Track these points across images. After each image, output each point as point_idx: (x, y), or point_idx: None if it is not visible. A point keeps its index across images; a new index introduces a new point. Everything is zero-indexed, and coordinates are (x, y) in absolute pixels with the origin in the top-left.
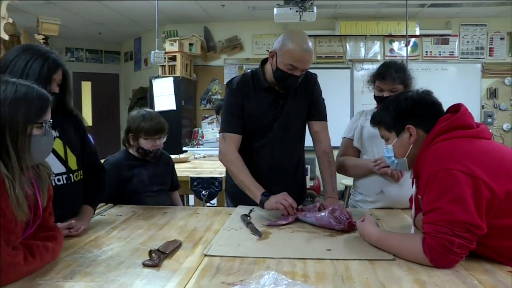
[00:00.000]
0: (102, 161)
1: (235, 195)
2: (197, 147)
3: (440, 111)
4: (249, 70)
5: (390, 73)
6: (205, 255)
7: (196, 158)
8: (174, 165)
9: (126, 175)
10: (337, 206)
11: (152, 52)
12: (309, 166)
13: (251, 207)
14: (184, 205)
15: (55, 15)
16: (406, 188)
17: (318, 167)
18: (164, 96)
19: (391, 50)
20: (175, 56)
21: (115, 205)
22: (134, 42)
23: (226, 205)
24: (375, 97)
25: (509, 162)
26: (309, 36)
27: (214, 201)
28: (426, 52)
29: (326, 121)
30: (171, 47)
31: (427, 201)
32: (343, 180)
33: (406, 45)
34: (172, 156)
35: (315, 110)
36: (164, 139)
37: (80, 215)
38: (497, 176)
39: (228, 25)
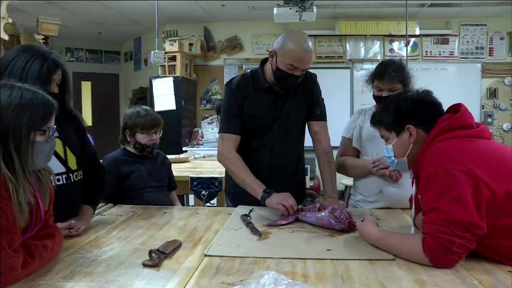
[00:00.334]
0: (101, 160)
1: (235, 195)
2: (197, 147)
3: (440, 111)
4: (249, 70)
5: (389, 73)
6: (205, 255)
7: (196, 158)
8: (170, 165)
9: (124, 171)
10: (337, 206)
11: (152, 52)
12: (309, 166)
13: (251, 207)
14: (184, 205)
15: (55, 15)
16: (406, 188)
17: (318, 167)
18: (164, 96)
19: (391, 50)
20: (175, 56)
21: (115, 205)
22: (134, 42)
23: (226, 205)
24: (374, 97)
25: (509, 162)
26: (309, 36)
27: (214, 201)
28: (426, 52)
29: (326, 121)
30: (171, 47)
31: (427, 201)
32: (343, 180)
33: (406, 45)
34: (172, 156)
35: (315, 110)
36: (160, 134)
37: (80, 215)
38: (497, 176)
39: (228, 25)
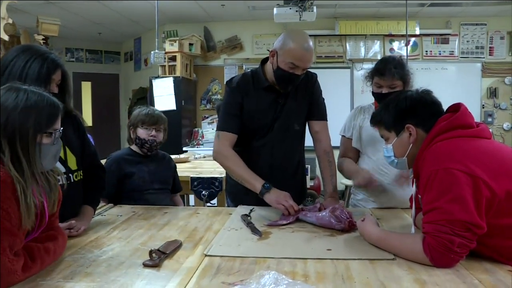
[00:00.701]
0: (104, 160)
1: (236, 195)
2: (197, 147)
3: (440, 110)
4: (249, 70)
5: (389, 69)
6: (206, 255)
7: (196, 158)
8: (176, 167)
9: (126, 171)
10: (338, 205)
11: (152, 52)
12: (309, 166)
13: (251, 207)
14: (184, 205)
15: (55, 15)
16: (409, 188)
17: (318, 167)
18: (164, 96)
19: (391, 49)
20: (175, 56)
21: (116, 205)
22: (134, 42)
23: (226, 205)
24: (373, 94)
25: (509, 162)
26: (309, 36)
27: (215, 201)
28: (426, 51)
29: (326, 120)
30: (171, 47)
31: (427, 200)
32: (344, 180)
33: (406, 45)
34: (173, 156)
35: (315, 109)
36: (162, 135)
37: (80, 215)
38: (497, 176)
39: (228, 25)
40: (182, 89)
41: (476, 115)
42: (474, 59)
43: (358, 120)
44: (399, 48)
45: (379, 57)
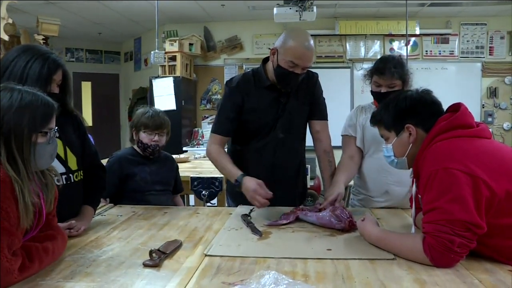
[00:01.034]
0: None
1: (236, 195)
2: (197, 147)
3: (440, 110)
4: (249, 70)
5: (389, 68)
6: (206, 255)
7: (196, 158)
8: (178, 168)
9: (128, 171)
10: (338, 205)
11: (152, 52)
12: (309, 166)
13: (251, 207)
14: (184, 205)
15: (55, 15)
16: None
17: (318, 167)
18: (164, 96)
19: (391, 49)
20: (175, 56)
21: (116, 205)
22: (134, 42)
23: (227, 205)
24: (372, 93)
25: (509, 162)
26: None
27: (215, 201)
28: (426, 51)
29: (327, 120)
30: (171, 47)
31: (427, 200)
32: None
33: (406, 45)
34: (173, 156)
35: (317, 109)
36: (165, 138)
37: (80, 215)
38: (497, 176)
39: (228, 25)
40: (182, 89)
41: (476, 115)
42: (474, 59)
43: (361, 120)
44: (399, 48)
45: (379, 57)
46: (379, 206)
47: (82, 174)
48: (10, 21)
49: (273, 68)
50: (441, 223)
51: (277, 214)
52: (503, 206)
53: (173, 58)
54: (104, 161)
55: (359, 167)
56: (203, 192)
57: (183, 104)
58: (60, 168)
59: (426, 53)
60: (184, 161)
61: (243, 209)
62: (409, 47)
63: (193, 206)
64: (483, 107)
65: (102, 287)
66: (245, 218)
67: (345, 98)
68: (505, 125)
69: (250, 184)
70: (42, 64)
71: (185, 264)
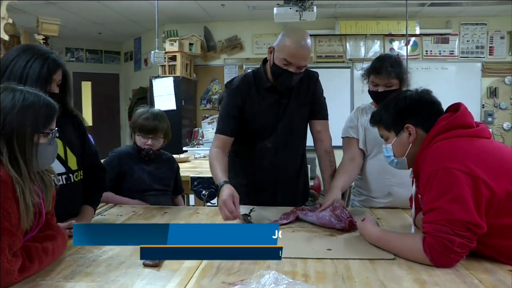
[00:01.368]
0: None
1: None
2: (197, 147)
3: (440, 110)
4: (249, 70)
5: (386, 67)
6: None
7: (196, 158)
8: (178, 169)
9: (127, 167)
10: (338, 205)
11: (152, 52)
12: (309, 166)
13: (251, 207)
14: (184, 205)
15: (55, 15)
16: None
17: (318, 167)
18: (164, 96)
19: (391, 49)
20: (175, 56)
21: (115, 205)
22: (134, 42)
23: None
24: (370, 92)
25: (509, 162)
26: (309, 35)
27: (215, 200)
28: (426, 51)
29: (328, 120)
30: (171, 47)
31: (427, 200)
32: None
33: (406, 44)
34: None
35: (318, 109)
36: (162, 141)
37: (81, 215)
38: (497, 176)
39: (228, 25)
40: (182, 89)
41: (476, 115)
42: (474, 58)
43: (362, 121)
44: (399, 48)
45: None
46: (381, 207)
47: (82, 174)
48: (10, 21)
49: (269, 67)
50: (441, 223)
51: (277, 214)
52: (503, 206)
53: (173, 58)
54: (103, 161)
55: (361, 169)
56: (203, 192)
57: (183, 104)
58: (60, 168)
59: (426, 53)
60: (184, 161)
61: (243, 209)
62: (409, 47)
63: (193, 206)
64: (483, 107)
65: (102, 287)
66: (245, 218)
67: (345, 98)
68: (505, 125)
69: (224, 193)
70: (42, 64)
71: (185, 264)
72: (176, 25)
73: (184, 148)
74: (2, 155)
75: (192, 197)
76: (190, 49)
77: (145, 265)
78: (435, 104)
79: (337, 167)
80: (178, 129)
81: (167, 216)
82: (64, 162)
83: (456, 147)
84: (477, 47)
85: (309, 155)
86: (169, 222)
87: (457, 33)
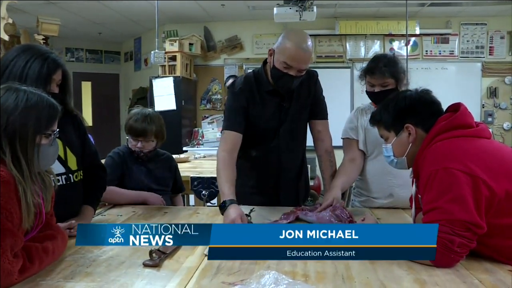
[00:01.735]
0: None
1: (237, 196)
2: (197, 147)
3: (440, 110)
4: (250, 70)
5: (380, 68)
6: (206, 255)
7: (196, 158)
8: (177, 167)
9: (128, 165)
10: (338, 205)
11: (152, 52)
12: (309, 166)
13: (251, 207)
14: (184, 205)
15: (55, 15)
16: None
17: (318, 167)
18: (164, 96)
19: (391, 49)
20: (175, 56)
21: (115, 205)
22: (134, 42)
23: None
24: (367, 93)
25: (509, 162)
26: (309, 35)
27: (215, 201)
28: (426, 51)
29: (328, 119)
30: (171, 47)
31: (427, 200)
32: None
33: (406, 44)
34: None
35: (318, 108)
36: (154, 143)
37: (80, 215)
38: (497, 176)
39: (228, 25)
40: (182, 89)
41: (476, 115)
42: (474, 58)
43: (362, 122)
44: (399, 48)
45: None
46: (382, 207)
47: (82, 174)
48: (10, 21)
49: (269, 69)
50: (441, 223)
51: (277, 214)
52: (503, 206)
53: (173, 58)
54: (103, 161)
55: (361, 170)
56: (203, 192)
57: (183, 104)
58: (60, 168)
59: (426, 53)
60: (184, 161)
61: (243, 209)
62: (409, 47)
63: (193, 206)
64: (483, 107)
65: (102, 287)
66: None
67: (345, 98)
68: (505, 125)
69: (232, 212)
70: (41, 64)
71: (185, 264)
72: (176, 25)
73: (184, 148)
74: (4, 155)
75: (192, 197)
76: (190, 49)
77: (145, 265)
78: (435, 104)
79: (337, 167)
80: (178, 129)
81: (167, 216)
82: (64, 162)
83: (456, 147)
84: (477, 47)
85: (309, 155)
86: (169, 222)
87: (457, 33)
